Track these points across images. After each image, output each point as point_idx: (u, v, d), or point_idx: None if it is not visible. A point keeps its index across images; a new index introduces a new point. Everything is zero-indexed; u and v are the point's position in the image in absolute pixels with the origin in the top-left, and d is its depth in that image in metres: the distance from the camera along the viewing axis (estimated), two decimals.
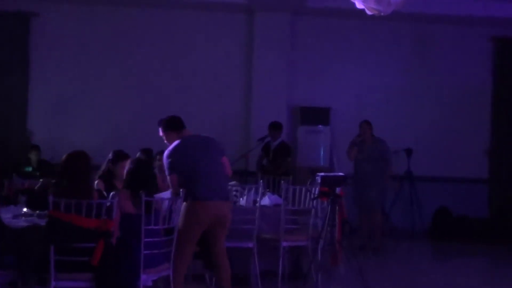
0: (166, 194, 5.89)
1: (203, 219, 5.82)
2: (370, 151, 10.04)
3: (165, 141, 6.18)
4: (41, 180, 6.74)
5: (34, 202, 6.12)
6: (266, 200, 7.62)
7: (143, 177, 5.62)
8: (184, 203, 5.79)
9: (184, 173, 5.86)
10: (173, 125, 6.15)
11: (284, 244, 7.23)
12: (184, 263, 5.88)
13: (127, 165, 6.12)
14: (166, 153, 5.98)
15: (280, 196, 7.60)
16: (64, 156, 5.32)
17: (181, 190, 5.77)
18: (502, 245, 11.26)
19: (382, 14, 6.06)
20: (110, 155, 6.56)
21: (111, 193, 5.29)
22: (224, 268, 6.02)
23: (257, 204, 7.18)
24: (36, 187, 6.61)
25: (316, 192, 7.35)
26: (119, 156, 6.47)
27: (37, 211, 5.79)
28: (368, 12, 6.11)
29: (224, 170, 6.08)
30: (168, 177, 5.93)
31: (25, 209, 5.95)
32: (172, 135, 6.09)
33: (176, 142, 5.99)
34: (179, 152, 5.92)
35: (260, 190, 7.20)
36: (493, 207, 12.21)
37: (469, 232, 11.69)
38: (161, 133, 6.22)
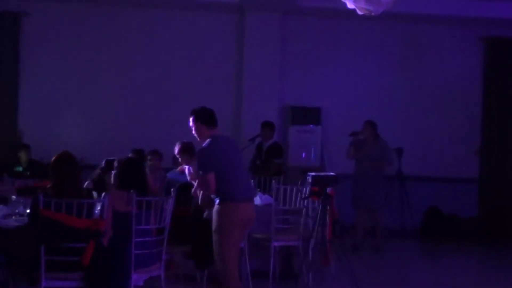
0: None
1: (243, 220, 5.58)
2: (369, 151, 10.05)
3: (193, 132, 5.77)
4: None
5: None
6: (257, 200, 7.59)
7: (132, 176, 5.59)
8: (218, 205, 5.50)
9: (221, 173, 5.50)
10: (207, 118, 5.72)
11: (275, 243, 7.24)
12: (233, 270, 5.48)
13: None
14: (201, 151, 5.62)
15: (271, 195, 7.61)
16: (52, 158, 5.31)
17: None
18: (491, 244, 11.34)
19: (372, 14, 6.09)
20: (103, 163, 6.64)
21: (103, 194, 5.28)
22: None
23: None
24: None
25: (307, 192, 7.36)
26: (109, 165, 6.48)
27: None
28: (359, 12, 6.14)
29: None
30: (204, 176, 5.51)
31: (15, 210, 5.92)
32: (203, 128, 5.67)
33: (210, 141, 5.62)
34: (216, 151, 5.58)
35: None
36: (483, 207, 12.24)
37: (459, 231, 11.74)
38: (191, 123, 5.75)
